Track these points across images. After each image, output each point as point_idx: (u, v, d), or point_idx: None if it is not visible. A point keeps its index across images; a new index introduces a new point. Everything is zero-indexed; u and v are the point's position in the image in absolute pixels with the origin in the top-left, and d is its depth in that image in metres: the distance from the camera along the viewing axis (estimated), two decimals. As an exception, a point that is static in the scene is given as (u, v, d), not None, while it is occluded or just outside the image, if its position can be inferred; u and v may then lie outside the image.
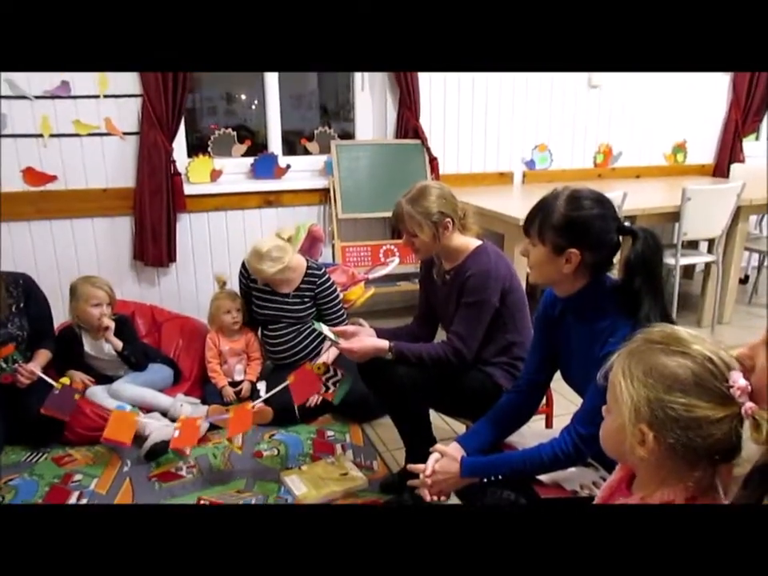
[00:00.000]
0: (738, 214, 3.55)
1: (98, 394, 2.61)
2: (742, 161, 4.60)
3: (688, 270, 4.67)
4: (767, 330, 0.88)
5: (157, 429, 2.44)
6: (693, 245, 4.16)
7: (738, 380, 0.87)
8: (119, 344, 2.69)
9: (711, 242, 3.78)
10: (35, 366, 2.44)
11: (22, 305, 2.59)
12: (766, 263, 4.35)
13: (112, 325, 2.68)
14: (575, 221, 1.45)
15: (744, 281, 4.57)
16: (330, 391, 2.20)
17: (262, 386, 2.82)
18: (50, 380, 2.34)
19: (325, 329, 2.08)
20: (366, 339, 2.03)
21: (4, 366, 2.38)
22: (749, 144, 4.71)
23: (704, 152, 4.69)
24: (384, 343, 1.98)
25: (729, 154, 4.60)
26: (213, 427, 2.61)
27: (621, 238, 1.48)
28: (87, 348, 2.75)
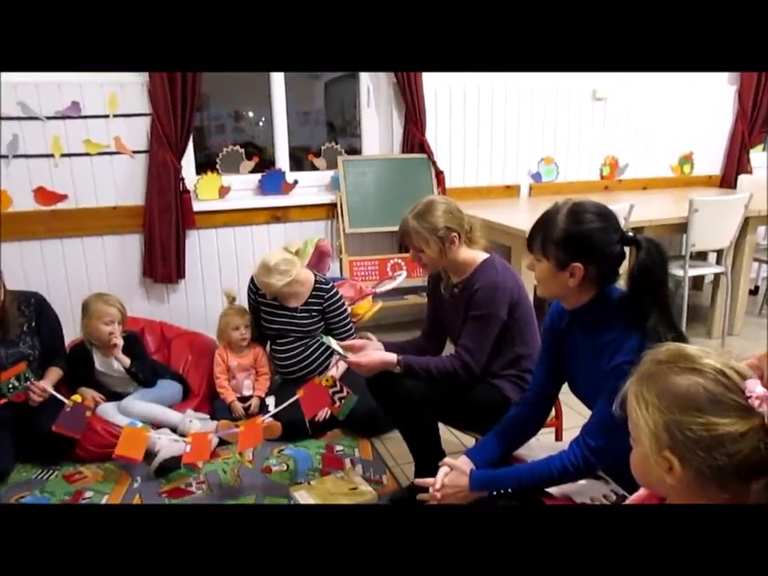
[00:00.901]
0: (746, 225, 3.55)
1: (109, 410, 2.62)
2: (750, 172, 4.60)
3: (697, 282, 4.65)
4: None
5: (166, 445, 2.45)
6: (701, 256, 4.15)
7: (755, 389, 0.83)
8: (127, 361, 2.71)
9: (720, 253, 3.77)
10: (47, 384, 2.46)
11: (33, 323, 2.61)
12: (775, 274, 4.34)
13: (120, 342, 2.70)
14: (576, 235, 1.45)
15: (754, 292, 4.55)
16: (336, 405, 2.21)
17: (270, 400, 2.82)
18: (61, 398, 2.36)
19: (333, 342, 2.09)
20: (373, 353, 2.04)
21: (16, 384, 2.39)
22: (756, 155, 4.71)
23: (711, 163, 4.69)
24: (392, 357, 1.99)
25: (736, 165, 4.60)
26: (222, 443, 2.61)
27: (625, 248, 1.49)
28: (98, 365, 2.77)
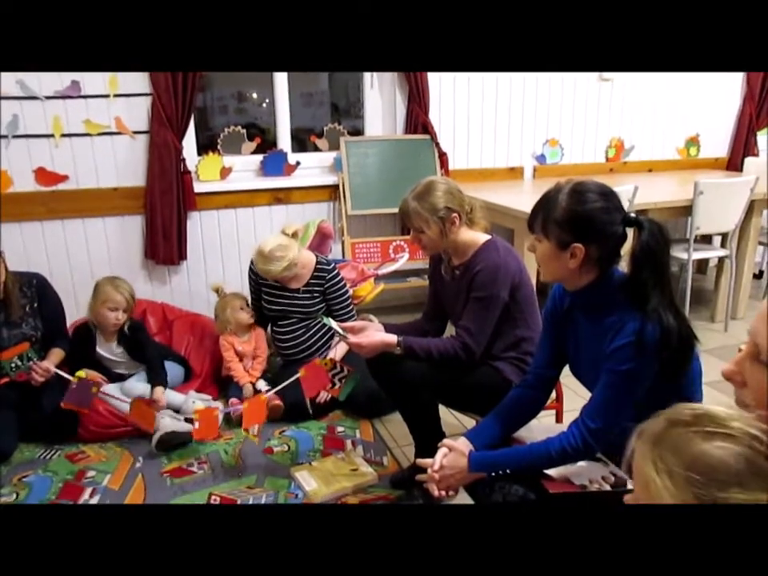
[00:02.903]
0: (752, 208, 3.52)
1: (111, 392, 2.62)
2: (756, 155, 4.55)
3: (701, 265, 4.63)
4: (748, 343, 0.81)
5: (168, 424, 2.47)
6: (706, 239, 4.12)
7: None
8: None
9: (724, 236, 3.75)
10: (50, 364, 2.47)
11: (35, 305, 2.61)
12: (780, 258, 4.31)
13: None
14: (578, 215, 1.43)
15: (758, 276, 4.53)
16: (336, 387, 2.21)
17: (262, 384, 2.83)
18: (66, 375, 2.36)
19: (333, 323, 2.08)
20: (374, 334, 2.03)
21: (19, 363, 2.41)
22: (763, 138, 4.66)
23: (717, 146, 4.65)
24: (393, 338, 1.98)
25: (742, 147, 4.55)
26: (225, 423, 2.63)
27: (627, 229, 1.47)
28: (98, 348, 2.76)
